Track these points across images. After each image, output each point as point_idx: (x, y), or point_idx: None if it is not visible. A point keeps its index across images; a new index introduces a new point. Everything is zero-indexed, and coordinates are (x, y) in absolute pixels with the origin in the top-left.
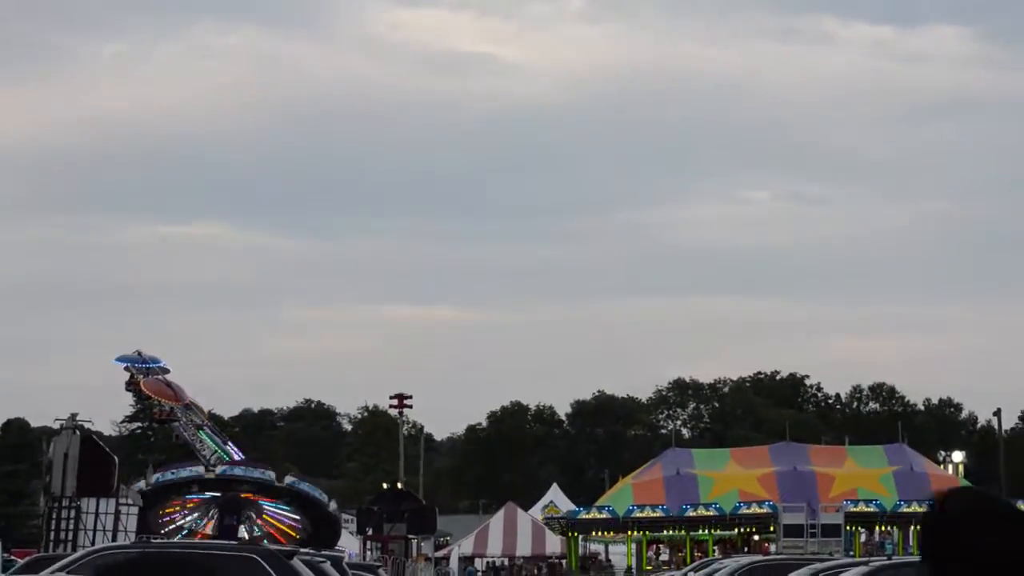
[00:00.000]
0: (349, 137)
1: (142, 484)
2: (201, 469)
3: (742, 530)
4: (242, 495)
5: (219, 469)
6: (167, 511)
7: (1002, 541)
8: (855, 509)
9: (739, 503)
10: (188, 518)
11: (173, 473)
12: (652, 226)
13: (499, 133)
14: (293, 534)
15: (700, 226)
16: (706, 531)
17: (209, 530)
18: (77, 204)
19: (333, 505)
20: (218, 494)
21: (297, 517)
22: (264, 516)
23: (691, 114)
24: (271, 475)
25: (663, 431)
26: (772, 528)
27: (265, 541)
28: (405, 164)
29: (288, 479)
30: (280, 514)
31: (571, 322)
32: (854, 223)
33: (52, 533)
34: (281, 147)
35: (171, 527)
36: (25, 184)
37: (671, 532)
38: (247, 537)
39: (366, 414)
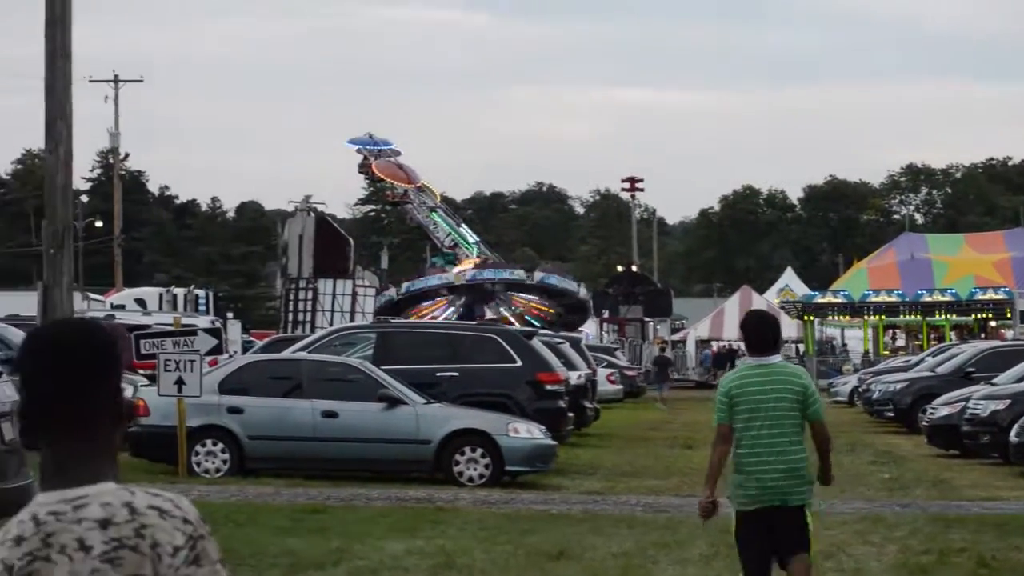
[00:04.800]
0: None
1: (392, 293)
2: (451, 276)
3: (978, 316)
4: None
5: (468, 274)
6: (418, 314)
7: None
8: None
9: (975, 288)
10: (438, 313)
11: (424, 282)
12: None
13: None
14: (543, 315)
15: (936, 4)
16: (942, 316)
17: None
18: None
19: (583, 292)
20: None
21: (547, 303)
22: (514, 301)
23: None
24: (520, 273)
25: (896, 216)
26: (1008, 314)
27: (514, 323)
28: None
29: (538, 274)
30: (529, 300)
31: (803, 106)
32: None
33: (290, 314)
34: None
35: None
36: None
37: (907, 317)
38: (495, 318)
39: (598, 197)
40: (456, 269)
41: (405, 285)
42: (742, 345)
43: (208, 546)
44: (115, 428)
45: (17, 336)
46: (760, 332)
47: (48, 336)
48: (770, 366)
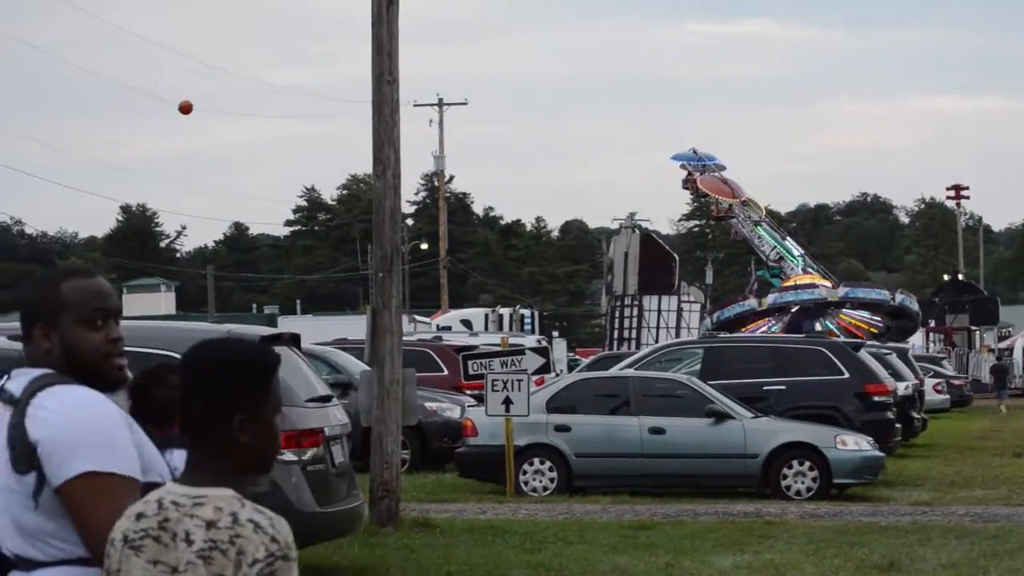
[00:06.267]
0: None
1: (755, 304)
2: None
3: None
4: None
5: (841, 292)
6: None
7: None
8: None
9: None
10: (763, 327)
11: (794, 295)
12: None
13: None
14: (872, 330)
15: None
16: None
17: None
18: (629, 4)
19: (899, 296)
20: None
21: (874, 317)
22: (841, 316)
23: None
24: (886, 294)
25: None
26: None
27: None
28: None
29: (899, 296)
30: (854, 315)
31: None
32: None
33: (615, 332)
34: None
35: None
36: None
37: None
38: (820, 330)
39: (923, 206)
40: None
41: (772, 298)
42: None
43: (286, 568)
44: (239, 444)
45: (347, 360)
46: None
47: (190, 353)
48: None
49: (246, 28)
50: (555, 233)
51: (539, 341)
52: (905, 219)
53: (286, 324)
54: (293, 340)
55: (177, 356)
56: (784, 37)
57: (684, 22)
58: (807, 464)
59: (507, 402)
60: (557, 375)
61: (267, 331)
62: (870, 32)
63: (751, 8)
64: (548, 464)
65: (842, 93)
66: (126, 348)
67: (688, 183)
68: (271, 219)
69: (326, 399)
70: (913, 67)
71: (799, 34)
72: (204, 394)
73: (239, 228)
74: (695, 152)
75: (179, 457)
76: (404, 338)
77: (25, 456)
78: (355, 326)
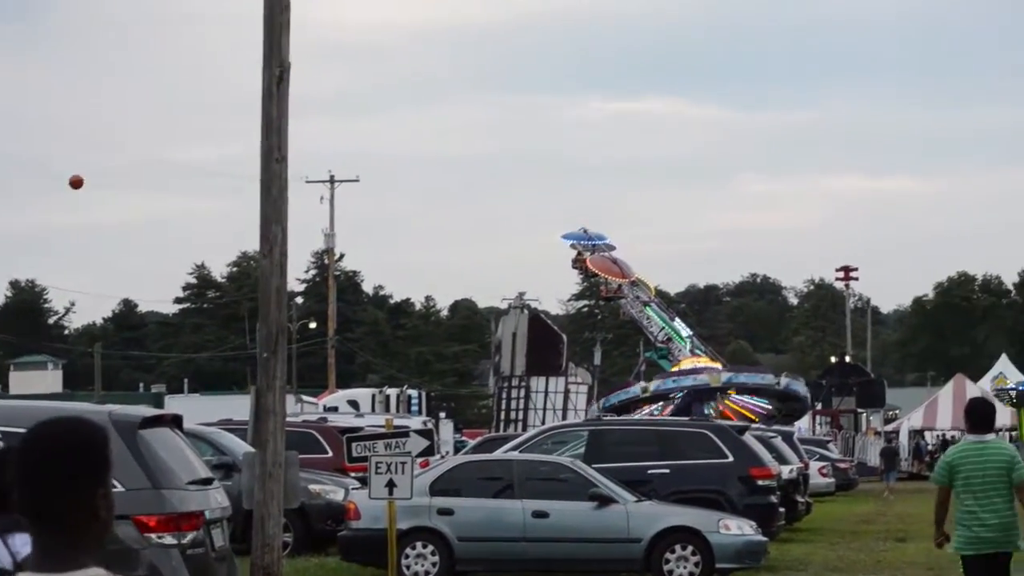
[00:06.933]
0: (792, 8)
1: (638, 390)
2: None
3: None
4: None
5: (724, 377)
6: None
7: None
8: None
9: None
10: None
11: (675, 382)
12: None
13: None
14: (754, 418)
15: None
16: None
17: (667, 414)
18: (521, 82)
19: (784, 380)
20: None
21: (768, 406)
22: (727, 403)
23: None
24: (771, 378)
25: None
26: None
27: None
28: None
29: (784, 380)
30: (746, 402)
31: (1018, 190)
32: None
33: (502, 413)
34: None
35: None
36: (468, 63)
37: None
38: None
39: (812, 287)
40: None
41: (655, 383)
42: (956, 435)
43: None
44: (92, 524)
45: (231, 441)
46: (980, 414)
47: (28, 436)
48: (986, 442)
49: (138, 103)
50: (444, 313)
51: (425, 423)
52: (794, 300)
53: (173, 403)
54: (175, 421)
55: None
56: (679, 116)
57: (582, 99)
58: (690, 548)
59: (390, 485)
60: (443, 457)
61: (149, 411)
62: (761, 111)
63: (649, 87)
64: (431, 548)
65: (733, 174)
66: None
67: (578, 263)
68: (160, 296)
69: (207, 481)
70: (804, 149)
71: (690, 113)
72: (49, 474)
73: (128, 305)
74: (586, 231)
75: (21, 541)
76: (289, 419)
77: None
78: (242, 405)
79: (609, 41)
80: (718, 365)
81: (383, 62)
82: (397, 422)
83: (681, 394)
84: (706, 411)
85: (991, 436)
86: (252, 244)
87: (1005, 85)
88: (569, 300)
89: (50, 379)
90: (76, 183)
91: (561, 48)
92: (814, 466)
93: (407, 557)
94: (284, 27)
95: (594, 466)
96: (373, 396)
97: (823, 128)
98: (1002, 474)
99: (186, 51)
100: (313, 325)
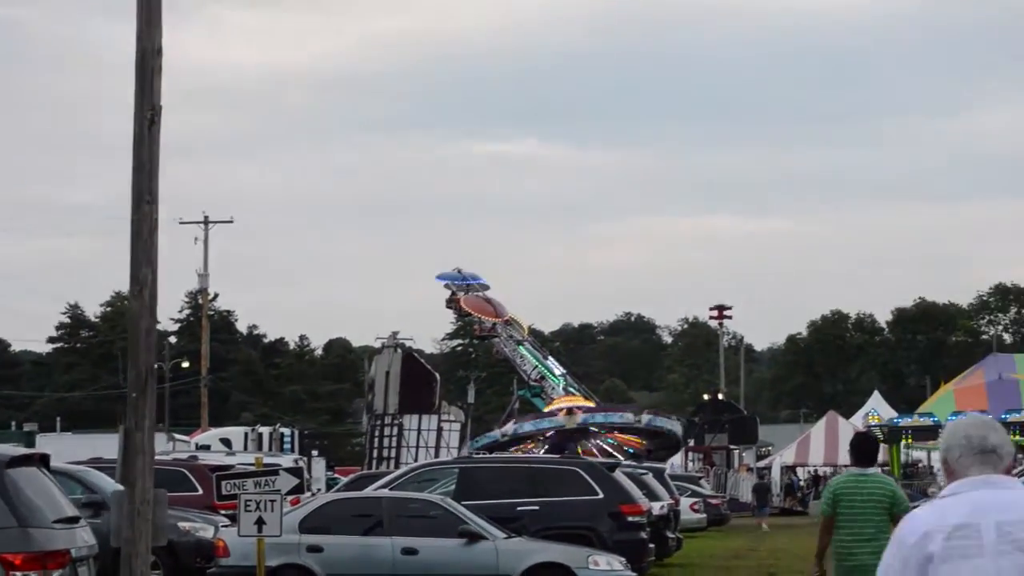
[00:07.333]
0: (660, 48)
1: (498, 435)
2: (562, 420)
3: None
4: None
5: (580, 418)
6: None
7: None
8: None
9: None
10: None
11: (533, 425)
12: (970, 132)
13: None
14: (633, 446)
15: (1018, 131)
16: None
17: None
18: (393, 123)
19: (645, 418)
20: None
21: (642, 441)
22: (596, 441)
23: None
24: (629, 416)
25: (984, 337)
26: None
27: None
28: (713, 75)
29: (646, 417)
30: (621, 439)
31: (891, 229)
32: None
33: (375, 451)
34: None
35: None
36: (340, 104)
37: None
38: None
39: (686, 326)
40: (563, 408)
41: (512, 427)
42: (827, 471)
43: None
44: None
45: (100, 479)
46: (863, 448)
47: None
48: (868, 475)
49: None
50: (318, 352)
51: (296, 460)
52: (668, 339)
53: (44, 442)
54: (42, 460)
55: None
56: (556, 156)
57: (454, 140)
58: None
59: (260, 522)
60: (314, 494)
61: (16, 451)
62: (635, 152)
63: (521, 128)
64: None
65: (609, 214)
66: None
67: (452, 302)
68: (34, 336)
69: (74, 520)
70: (677, 188)
71: (565, 154)
72: None
73: (1, 345)
74: (460, 271)
75: None
76: (160, 457)
77: None
78: (113, 444)
79: (481, 83)
80: (591, 403)
81: (258, 104)
82: (268, 460)
83: (549, 434)
84: (579, 450)
85: (873, 469)
86: (125, 284)
87: (871, 127)
88: (443, 339)
89: None
90: None
91: (434, 89)
92: (685, 502)
93: None
94: (156, 71)
95: (464, 503)
96: (246, 434)
97: (697, 169)
98: (880, 507)
99: (56, 92)
100: (186, 364)
